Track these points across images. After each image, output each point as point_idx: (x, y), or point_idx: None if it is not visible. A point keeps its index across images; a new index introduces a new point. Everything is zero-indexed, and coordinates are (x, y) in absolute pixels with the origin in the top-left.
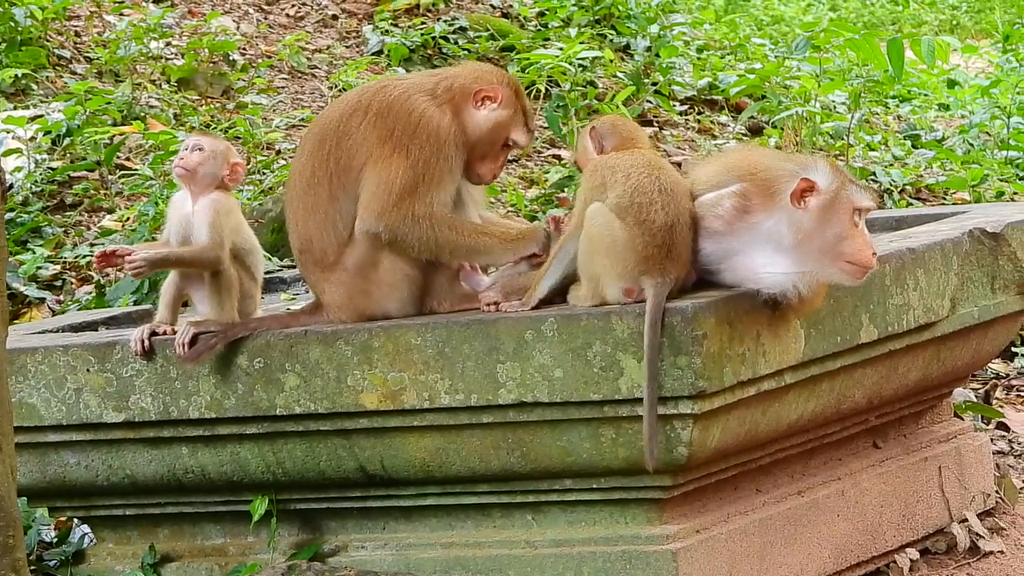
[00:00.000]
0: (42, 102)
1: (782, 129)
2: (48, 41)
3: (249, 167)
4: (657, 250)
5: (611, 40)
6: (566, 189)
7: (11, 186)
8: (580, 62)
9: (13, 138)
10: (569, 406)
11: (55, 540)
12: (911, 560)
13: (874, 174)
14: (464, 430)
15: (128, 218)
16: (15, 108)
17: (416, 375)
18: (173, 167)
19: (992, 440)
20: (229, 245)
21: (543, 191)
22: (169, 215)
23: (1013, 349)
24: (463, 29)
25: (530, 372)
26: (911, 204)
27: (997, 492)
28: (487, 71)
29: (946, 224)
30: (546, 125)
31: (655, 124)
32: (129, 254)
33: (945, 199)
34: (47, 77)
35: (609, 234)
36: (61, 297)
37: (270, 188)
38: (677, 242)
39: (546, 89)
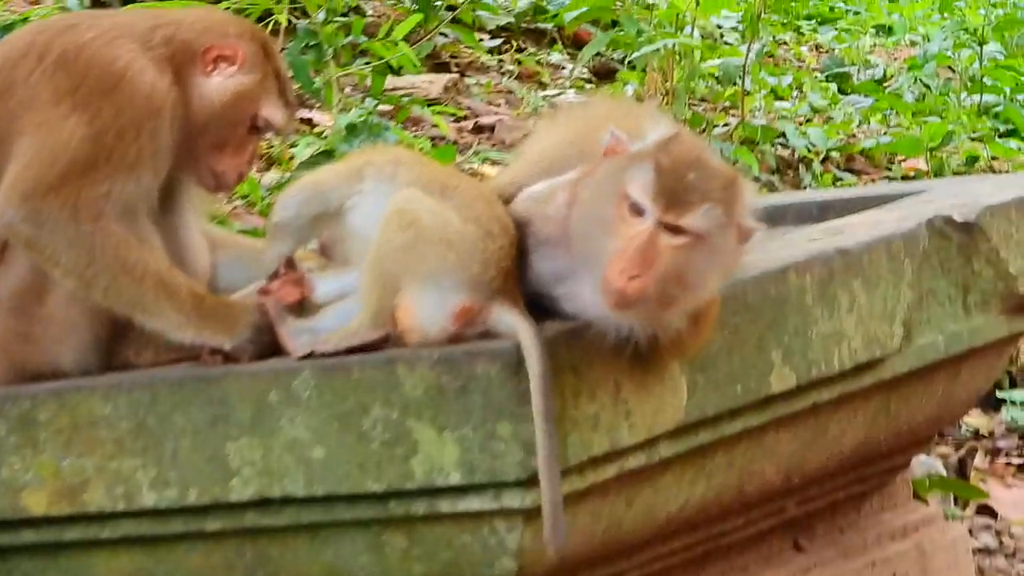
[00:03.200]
0: None
1: (644, 71)
2: None
3: None
4: (514, 267)
5: None
6: None
7: None
8: None
9: None
10: (337, 502)
11: None
12: None
13: (783, 135)
14: (180, 543)
15: None
16: None
17: (105, 462)
18: None
19: (971, 532)
20: None
21: (288, 174)
22: None
23: (998, 394)
24: None
25: (277, 453)
26: (839, 180)
27: None
28: (221, 20)
29: (893, 211)
30: (291, 75)
31: (455, 69)
32: None
33: (890, 170)
34: None
35: (453, 227)
36: None
37: None
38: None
39: (289, 22)
